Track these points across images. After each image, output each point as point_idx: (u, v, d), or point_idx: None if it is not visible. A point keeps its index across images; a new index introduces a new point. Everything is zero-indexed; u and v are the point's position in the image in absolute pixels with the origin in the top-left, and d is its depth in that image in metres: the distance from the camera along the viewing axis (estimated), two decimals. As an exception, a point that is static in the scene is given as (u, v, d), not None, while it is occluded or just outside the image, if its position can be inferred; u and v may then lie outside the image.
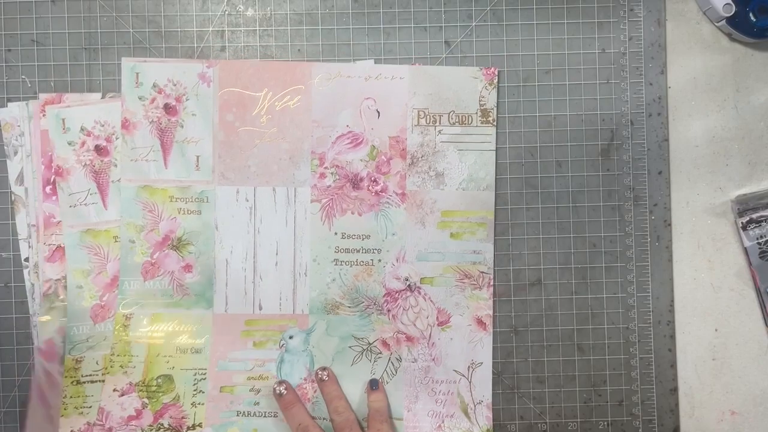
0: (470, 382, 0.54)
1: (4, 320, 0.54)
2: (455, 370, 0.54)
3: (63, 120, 0.53)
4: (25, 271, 0.53)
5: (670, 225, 0.55)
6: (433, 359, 0.54)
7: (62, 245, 0.52)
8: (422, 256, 0.54)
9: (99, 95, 0.53)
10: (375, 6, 0.54)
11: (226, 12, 0.54)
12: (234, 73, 0.53)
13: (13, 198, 0.53)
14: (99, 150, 0.53)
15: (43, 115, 0.53)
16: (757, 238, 0.53)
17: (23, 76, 0.54)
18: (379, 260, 0.54)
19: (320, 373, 0.52)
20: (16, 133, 0.53)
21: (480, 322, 0.54)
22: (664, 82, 0.55)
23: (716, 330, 0.55)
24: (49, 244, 0.53)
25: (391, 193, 0.53)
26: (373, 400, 0.52)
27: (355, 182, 0.53)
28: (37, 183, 0.53)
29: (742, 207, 0.54)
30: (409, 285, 0.54)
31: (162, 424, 0.52)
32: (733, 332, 0.55)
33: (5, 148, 0.53)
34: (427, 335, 0.54)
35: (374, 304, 0.54)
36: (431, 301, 0.54)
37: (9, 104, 0.53)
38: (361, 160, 0.53)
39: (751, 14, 0.53)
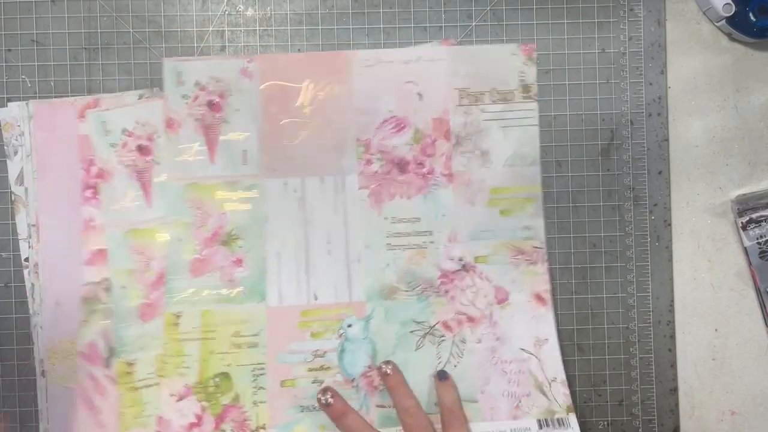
0: (539, 360, 0.53)
1: (4, 320, 0.54)
2: (522, 349, 0.53)
3: (104, 123, 0.53)
4: (25, 271, 0.53)
5: (670, 225, 0.55)
6: (498, 339, 0.53)
7: (102, 248, 0.52)
8: (474, 235, 0.53)
9: (135, 96, 0.53)
10: (375, 6, 0.54)
11: (226, 12, 0.54)
12: (274, 66, 0.53)
13: (13, 198, 0.53)
14: (141, 149, 0.53)
15: (82, 121, 0.53)
16: (757, 238, 0.53)
17: (23, 76, 0.54)
18: (432, 242, 0.53)
19: (384, 366, 0.51)
20: (16, 133, 0.53)
21: (539, 298, 0.53)
22: (664, 82, 0.55)
23: (716, 330, 0.55)
24: (88, 249, 0.52)
25: (438, 175, 0.53)
26: (443, 394, 0.50)
27: (402, 166, 0.53)
28: (34, 183, 0.53)
29: (742, 207, 0.54)
30: (463, 265, 0.53)
31: (224, 431, 0.51)
32: (733, 332, 0.55)
33: (5, 148, 0.53)
34: (488, 314, 0.53)
35: (431, 286, 0.53)
36: (488, 279, 0.53)
37: (9, 104, 0.53)
38: (406, 143, 0.53)
39: (751, 14, 0.53)
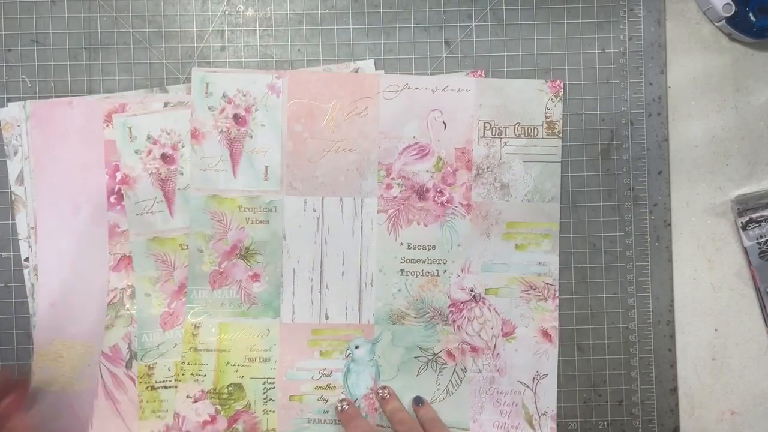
0: (535, 394, 0.54)
1: (4, 320, 0.54)
2: (520, 381, 0.54)
3: (129, 129, 0.53)
4: (25, 271, 0.53)
5: (669, 225, 0.55)
6: (498, 370, 0.54)
7: (127, 254, 0.53)
8: (487, 267, 0.54)
9: (161, 104, 0.53)
10: (375, 6, 0.54)
11: (226, 12, 0.54)
12: (303, 84, 0.53)
13: (13, 198, 0.53)
14: (165, 158, 0.53)
15: (107, 125, 0.53)
16: (757, 238, 0.53)
17: (23, 76, 0.54)
18: (445, 271, 0.54)
19: (381, 391, 0.53)
20: (16, 133, 0.53)
21: (545, 334, 0.54)
22: (664, 82, 0.55)
23: (716, 330, 0.55)
24: (114, 254, 0.53)
25: (457, 204, 0.54)
26: (422, 413, 0.52)
27: (421, 193, 0.54)
28: (32, 183, 0.53)
29: (742, 207, 0.54)
30: (474, 296, 0.54)
31: (237, 429, 0.53)
32: (733, 332, 0.55)
33: (5, 148, 0.53)
34: (492, 346, 0.54)
35: (439, 314, 0.54)
36: (496, 312, 0.54)
37: (9, 104, 0.53)
38: (427, 171, 0.54)
39: (750, 14, 0.53)
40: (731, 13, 0.53)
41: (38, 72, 0.54)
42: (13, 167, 0.53)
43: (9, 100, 0.53)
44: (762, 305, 0.55)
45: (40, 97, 0.53)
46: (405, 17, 0.54)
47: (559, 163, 0.54)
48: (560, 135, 0.54)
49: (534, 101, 0.54)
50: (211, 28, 0.54)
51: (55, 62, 0.54)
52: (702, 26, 0.56)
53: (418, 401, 0.53)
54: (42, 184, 0.53)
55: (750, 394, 0.55)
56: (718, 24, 0.55)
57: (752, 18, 0.53)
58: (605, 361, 0.55)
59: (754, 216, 0.53)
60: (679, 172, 0.55)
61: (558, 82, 0.54)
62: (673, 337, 0.55)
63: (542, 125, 0.54)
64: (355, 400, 0.53)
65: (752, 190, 0.55)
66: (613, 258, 0.55)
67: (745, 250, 0.54)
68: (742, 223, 0.54)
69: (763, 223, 0.53)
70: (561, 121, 0.54)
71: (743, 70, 0.56)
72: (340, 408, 0.52)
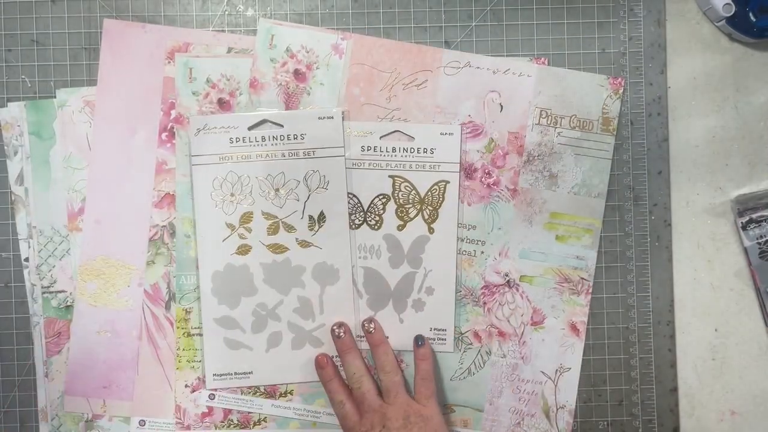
0: (556, 386, 0.54)
1: (4, 320, 0.54)
2: (542, 372, 0.54)
3: (190, 69, 0.53)
4: (25, 271, 0.53)
5: (669, 225, 0.55)
6: (522, 358, 0.54)
7: (171, 192, 0.53)
8: (525, 254, 0.54)
9: (225, 48, 0.53)
10: (375, 6, 0.54)
11: (226, 12, 0.54)
12: (366, 49, 0.53)
13: (13, 198, 0.53)
14: (222, 103, 0.53)
15: (169, 62, 0.53)
16: (757, 238, 0.53)
17: (23, 76, 0.54)
18: (482, 252, 0.54)
19: (367, 324, 0.52)
20: (15, 133, 0.53)
21: (574, 328, 0.54)
22: (664, 82, 0.55)
23: (716, 330, 0.55)
24: (158, 190, 0.53)
25: (503, 188, 0.54)
26: (421, 357, 0.51)
27: (469, 172, 0.54)
28: (34, 184, 0.53)
29: (742, 207, 0.54)
30: (508, 281, 0.54)
31: (258, 388, 0.54)
32: (733, 332, 0.55)
33: (5, 148, 0.53)
34: (519, 333, 0.54)
35: (471, 294, 0.54)
36: (528, 299, 0.54)
37: (9, 104, 0.53)
38: (478, 151, 0.54)
39: (750, 14, 0.53)
40: (731, 13, 0.53)
41: (38, 72, 0.54)
42: (13, 167, 0.53)
43: (9, 100, 0.53)
44: (762, 305, 0.55)
45: (39, 98, 0.53)
46: (405, 17, 0.54)
47: (610, 161, 0.54)
48: (614, 132, 0.54)
49: (593, 95, 0.54)
50: (211, 28, 0.54)
51: (55, 62, 0.54)
52: (702, 26, 0.56)
53: (418, 340, 0.52)
54: (104, 101, 0.53)
55: (750, 394, 0.55)
56: (718, 24, 0.55)
57: (752, 18, 0.53)
58: (605, 361, 0.55)
59: (754, 216, 0.53)
60: (679, 172, 0.55)
61: (619, 79, 0.54)
62: (673, 337, 0.55)
63: (598, 120, 0.54)
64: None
65: (752, 190, 0.55)
66: (613, 258, 0.55)
67: (745, 250, 0.54)
68: (742, 223, 0.54)
69: (763, 223, 0.53)
70: (617, 119, 0.54)
71: (743, 70, 0.56)
72: (336, 334, 0.52)
